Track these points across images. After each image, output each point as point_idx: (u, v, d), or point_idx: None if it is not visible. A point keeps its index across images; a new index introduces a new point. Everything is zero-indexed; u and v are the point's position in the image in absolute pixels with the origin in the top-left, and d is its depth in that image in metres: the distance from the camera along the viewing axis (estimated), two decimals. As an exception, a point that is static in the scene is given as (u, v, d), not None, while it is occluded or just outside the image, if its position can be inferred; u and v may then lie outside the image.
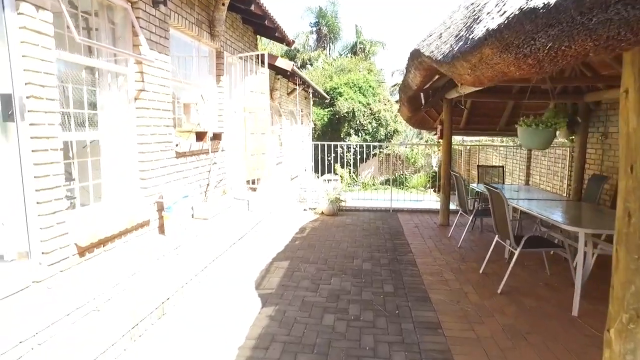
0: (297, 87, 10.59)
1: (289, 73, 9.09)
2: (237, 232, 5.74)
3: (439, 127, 6.90)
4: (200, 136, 5.51)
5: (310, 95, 14.20)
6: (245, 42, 7.81)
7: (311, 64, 26.87)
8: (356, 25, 27.57)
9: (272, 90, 9.96)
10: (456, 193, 6.18)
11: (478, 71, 1.89)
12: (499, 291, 4.00)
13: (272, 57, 8.78)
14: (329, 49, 28.39)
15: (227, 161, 6.98)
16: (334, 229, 6.78)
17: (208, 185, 6.02)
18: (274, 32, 7.81)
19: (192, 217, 5.52)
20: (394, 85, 35.15)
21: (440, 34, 2.66)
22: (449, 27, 2.57)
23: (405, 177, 19.05)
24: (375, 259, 5.16)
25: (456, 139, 22.45)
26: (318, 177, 19.20)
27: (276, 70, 9.76)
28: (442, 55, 2.34)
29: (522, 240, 3.88)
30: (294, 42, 8.71)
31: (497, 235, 4.51)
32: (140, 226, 4.29)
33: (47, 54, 3.04)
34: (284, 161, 11.65)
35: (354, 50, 27.20)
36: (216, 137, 6.16)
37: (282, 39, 8.36)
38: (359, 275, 4.55)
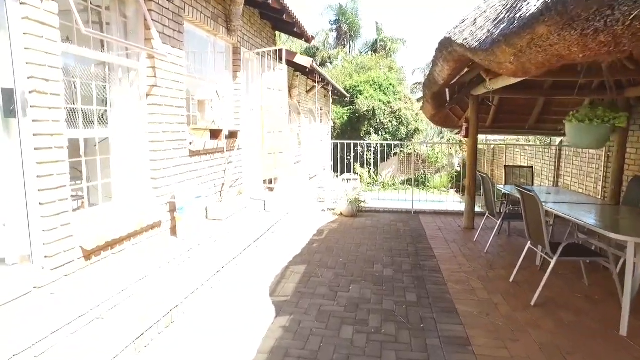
0: (317, 84, 10.35)
1: (307, 70, 8.86)
2: (252, 233, 5.54)
3: (464, 125, 6.56)
4: (215, 134, 5.33)
5: (330, 94, 13.96)
6: (263, 38, 7.62)
7: (331, 62, 26.62)
8: (376, 23, 27.19)
9: (290, 87, 9.76)
10: (482, 195, 5.84)
11: (524, 57, 1.61)
12: (532, 303, 3.68)
13: (291, 54, 8.57)
14: (349, 47, 28.08)
15: (244, 160, 6.80)
16: (354, 231, 6.52)
17: (223, 185, 5.84)
18: (292, 28, 7.59)
19: (207, 217, 5.34)
20: (415, 84, 34.59)
21: (475, 19, 2.38)
22: (485, 12, 2.29)
23: (426, 177, 18.61)
24: (397, 265, 4.88)
25: (480, 137, 21.80)
26: (337, 176, 18.94)
27: (295, 68, 9.55)
28: (477, 42, 2.06)
29: (560, 248, 3.55)
30: (313, 38, 8.48)
31: (529, 242, 4.18)
32: (151, 227, 4.13)
33: (52, 46, 2.87)
34: (303, 160, 11.45)
35: (374, 48, 26.82)
36: (232, 135, 5.97)
37: (301, 34, 8.14)
38: (379, 282, 4.28)
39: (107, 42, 3.81)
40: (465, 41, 2.24)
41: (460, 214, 7.74)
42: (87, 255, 3.25)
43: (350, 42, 27.98)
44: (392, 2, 77.81)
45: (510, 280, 4.30)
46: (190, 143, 4.88)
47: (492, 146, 15.86)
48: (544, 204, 4.51)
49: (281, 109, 7.97)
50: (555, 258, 3.55)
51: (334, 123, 19.44)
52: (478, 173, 5.74)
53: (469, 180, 6.66)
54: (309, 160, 12.26)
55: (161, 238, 4.29)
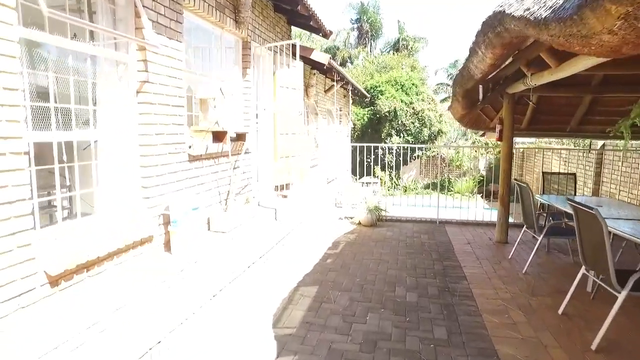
0: (335, 83, 9.77)
1: (325, 67, 8.29)
2: (260, 247, 4.99)
3: (499, 126, 5.87)
4: (218, 136, 4.81)
5: (349, 93, 13.35)
6: (277, 33, 7.08)
7: (352, 62, 26.00)
8: (398, 21, 26.44)
9: (307, 86, 9.21)
10: (521, 206, 5.15)
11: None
12: (593, 347, 2.99)
13: (307, 50, 8.01)
14: (371, 46, 27.39)
15: (253, 165, 6.26)
16: (372, 244, 5.91)
17: (229, 192, 5.32)
18: (308, 21, 7.02)
19: (209, 229, 4.82)
20: (438, 84, 33.63)
21: (539, -16, 1.74)
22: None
23: (450, 181, 17.79)
24: (422, 287, 4.25)
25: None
26: (357, 179, 18.28)
27: (312, 65, 8.99)
28: (550, 10, 1.44)
29: (631, 280, 2.86)
30: (331, 32, 7.90)
31: (583, 267, 3.50)
32: (140, 244, 3.61)
33: (6, 30, 2.38)
34: (320, 163, 10.87)
35: (396, 47, 26.06)
36: (239, 137, 5.45)
37: (318, 29, 7.57)
38: (401, 311, 3.66)
39: (93, 32, 3.33)
40: (527, 12, 1.63)
41: (490, 225, 7.03)
42: (54, 280, 2.74)
43: (372, 41, 27.29)
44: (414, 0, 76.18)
45: (559, 312, 3.61)
46: (190, 147, 4.36)
47: (522, 149, 14.98)
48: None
49: (296, 109, 7.42)
50: (624, 293, 2.86)
51: (354, 124, 18.82)
52: (515, 182, 5.05)
53: (502, 189, 5.96)
54: (326, 164, 11.69)
55: (152, 256, 3.78)
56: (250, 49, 5.99)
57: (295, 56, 6.61)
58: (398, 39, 26.25)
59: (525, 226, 5.18)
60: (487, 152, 17.67)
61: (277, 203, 6.65)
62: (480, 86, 4.83)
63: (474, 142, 19.36)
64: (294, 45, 6.39)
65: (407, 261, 5.12)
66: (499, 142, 5.97)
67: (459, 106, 5.50)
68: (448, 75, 33.45)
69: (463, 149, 18.48)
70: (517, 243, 5.49)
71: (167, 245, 3.98)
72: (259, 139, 6.92)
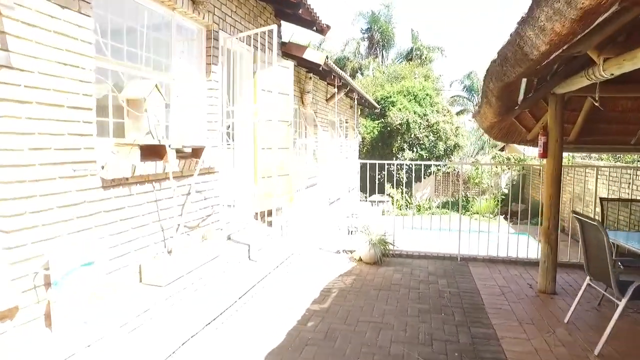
0: (336, 89, 8.44)
1: (322, 69, 6.96)
2: (214, 305, 3.60)
3: (542, 138, 4.42)
4: (154, 152, 3.47)
5: (356, 103, 12.00)
6: (261, 25, 5.78)
7: (362, 73, 24.76)
8: (412, 30, 25.21)
9: (302, 92, 7.88)
10: (582, 247, 3.67)
11: None
12: None
13: (299, 48, 6.71)
14: (382, 56, 26.14)
15: (222, 188, 4.90)
16: (373, 294, 4.46)
17: (178, 227, 3.94)
18: (297, 9, 5.71)
19: (140, 281, 3.45)
20: (454, 97, 32.09)
21: None
22: None
23: (468, 200, 16.21)
24: (443, 382, 2.78)
25: (530, 152, 18.98)
26: (366, 198, 16.83)
27: (307, 67, 7.68)
28: None
29: None
30: (329, 27, 6.58)
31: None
32: (-15, 324, 2.26)
33: None
34: (320, 182, 9.48)
35: (409, 57, 24.76)
36: (195, 153, 4.10)
37: (311, 22, 6.25)
38: None
39: None
40: None
41: (527, 264, 5.54)
42: None
43: (383, 51, 26.04)
44: (428, 6, 74.20)
45: None
46: (103, 167, 3.02)
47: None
48: None
49: (284, 118, 6.09)
50: None
51: (363, 138, 17.45)
52: (574, 215, 3.56)
53: (547, 221, 4.48)
54: (328, 182, 10.28)
55: (12, 338, 2.40)
56: (217, 40, 4.69)
57: (287, 56, 5.29)
58: (411, 49, 24.92)
59: (589, 277, 3.69)
60: (510, 168, 16.08)
61: (256, 235, 5.26)
62: (524, 80, 3.41)
63: (494, 157, 17.80)
64: (270, 31, 5.07)
65: (420, 326, 3.65)
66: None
67: (490, 111, 4.07)
68: (463, 87, 32.00)
69: (482, 165, 16.90)
70: (577, 300, 3.95)
71: (48, 319, 2.61)
72: (236, 154, 5.59)
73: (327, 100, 9.91)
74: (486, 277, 5.07)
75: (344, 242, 6.66)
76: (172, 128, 4.19)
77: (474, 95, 32.15)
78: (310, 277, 5.04)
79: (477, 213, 15.53)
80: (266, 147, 5.74)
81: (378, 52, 25.90)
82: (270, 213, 6.24)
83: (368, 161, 7.26)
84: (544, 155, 4.46)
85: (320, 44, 24.32)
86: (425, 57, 24.09)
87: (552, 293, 4.43)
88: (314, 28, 6.46)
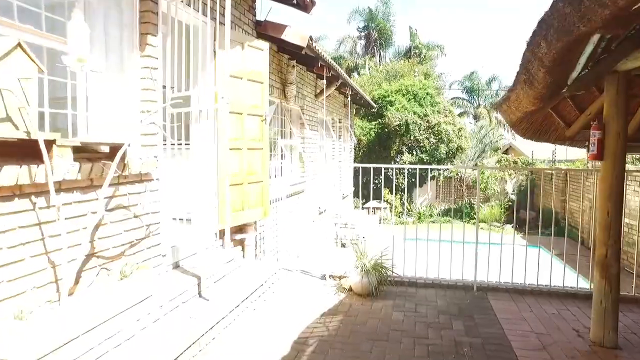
0: (325, 81, 7.23)
1: (304, 52, 5.76)
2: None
3: (596, 134, 3.22)
4: (16, 150, 2.25)
5: (350, 101, 10.78)
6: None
7: (358, 73, 23.60)
8: (410, 27, 23.96)
9: (284, 84, 6.68)
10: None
11: None
12: None
13: (277, 27, 5.52)
14: (379, 55, 25.00)
15: (165, 200, 3.68)
16: (365, 348, 3.23)
17: (85, 261, 2.71)
18: (269, -27, 4.51)
19: None
20: (454, 98, 30.94)
21: None
22: None
23: (472, 207, 15.01)
24: None
25: (541, 154, 17.72)
26: (363, 204, 15.60)
27: (290, 54, 6.48)
28: None
29: None
30: (313, 3, 5.40)
31: None
32: None
33: None
34: (308, 189, 8.26)
35: (408, 55, 23.59)
36: (112, 153, 2.88)
37: (289, -7, 5.07)
38: None
39: None
40: None
41: (564, 297, 4.33)
42: None
43: (381, 50, 24.89)
44: (428, 5, 72.04)
45: None
46: None
47: (563, 169, 12.19)
48: None
49: (256, 111, 4.91)
50: None
51: (359, 140, 16.24)
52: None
53: (604, 248, 3.27)
54: (318, 188, 9.07)
55: None
56: (157, 3, 3.49)
57: (260, 36, 4.11)
58: (410, 47, 23.74)
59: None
60: (517, 174, 14.92)
61: (216, 261, 4.03)
62: (597, 36, 2.22)
63: (499, 161, 16.62)
64: (258, 23, 3.88)
65: (435, 413, 2.43)
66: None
67: (528, 95, 2.87)
68: (463, 89, 30.90)
69: (490, 169, 15.72)
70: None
71: None
72: (192, 156, 4.38)
73: (316, 95, 8.71)
74: (515, 318, 3.85)
75: (334, 260, 5.45)
76: (83, 117, 2.98)
77: (475, 97, 31.06)
78: (284, 317, 3.82)
79: (484, 222, 14.38)
80: (233, 148, 4.54)
81: (375, 51, 24.76)
82: (241, 229, 5.02)
83: (362, 165, 6.07)
84: (598, 156, 3.26)
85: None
86: (425, 56, 22.94)
87: (613, 347, 3.22)
88: (295, 1, 5.27)
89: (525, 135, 4.39)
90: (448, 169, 15.95)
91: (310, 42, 5.54)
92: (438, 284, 4.79)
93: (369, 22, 24.45)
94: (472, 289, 4.64)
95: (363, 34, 24.90)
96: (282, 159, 7.03)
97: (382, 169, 5.84)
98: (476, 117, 29.56)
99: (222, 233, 4.64)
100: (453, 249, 4.92)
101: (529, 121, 3.96)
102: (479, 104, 30.67)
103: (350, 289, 4.55)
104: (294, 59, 6.51)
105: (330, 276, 5.06)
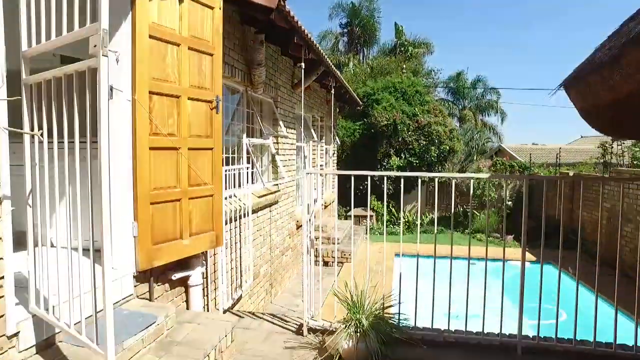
0: (302, 65, 5.74)
1: (273, 17, 4.25)
2: None
3: None
4: None
5: (333, 94, 9.29)
6: None
7: (341, 71, 22.21)
8: (396, 24, 22.74)
9: (249, 64, 5.16)
10: None
11: None
12: None
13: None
14: (363, 53, 23.70)
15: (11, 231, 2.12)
16: None
17: None
18: None
19: None
20: (439, 100, 29.83)
21: None
22: None
23: (466, 215, 13.74)
24: None
25: (545, 158, 16.44)
26: (346, 213, 14.17)
27: (258, 26, 4.96)
28: None
29: None
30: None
31: None
32: None
33: None
34: (283, 199, 6.75)
35: (393, 53, 22.33)
36: None
37: None
38: None
39: None
40: None
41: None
42: None
43: (365, 48, 23.58)
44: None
45: None
46: None
47: (570, 172, 11.01)
48: None
49: (201, 95, 3.42)
50: None
51: (342, 142, 14.81)
52: None
53: None
54: (295, 198, 7.58)
55: None
56: None
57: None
58: (395, 44, 22.50)
59: None
60: (511, 183, 13.76)
61: (127, 325, 2.48)
62: None
63: (494, 165, 15.41)
64: None
65: None
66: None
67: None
68: (448, 91, 29.88)
69: (484, 176, 14.48)
70: None
71: None
72: (102, 157, 2.83)
73: (293, 87, 7.22)
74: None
75: (315, 292, 3.94)
76: None
77: (460, 99, 30.04)
78: None
79: (479, 232, 13.11)
80: (161, 147, 3.04)
81: (359, 49, 23.44)
82: (182, 264, 3.49)
83: (341, 172, 4.61)
84: None
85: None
86: (411, 54, 21.72)
87: None
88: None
89: (604, 126, 3.00)
90: (441, 177, 14.64)
91: (282, 3, 4.05)
92: (464, 342, 3.34)
93: (352, 17, 23.11)
94: (513, 350, 3.20)
95: (346, 30, 23.55)
96: (248, 163, 5.50)
97: (357, 177, 4.44)
98: (461, 120, 28.58)
99: (147, 274, 3.10)
100: (459, 267, 3.47)
101: (617, 108, 2.57)
102: (464, 106, 29.76)
103: (340, 358, 3.05)
104: (263, 33, 5.00)
105: (310, 330, 3.56)
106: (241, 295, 4.81)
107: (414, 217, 14.60)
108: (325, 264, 8.43)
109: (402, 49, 22.14)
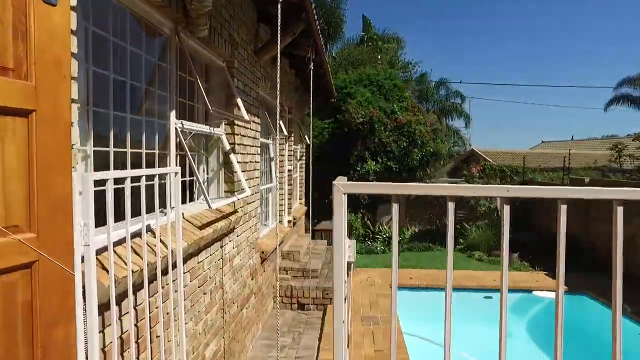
0: (270, 36, 3.45)
1: None
2: None
3: None
4: None
5: (311, 70, 6.95)
6: None
7: (303, 66, 19.97)
8: (363, 16, 20.92)
9: (188, 2, 2.75)
10: None
11: None
12: None
13: None
14: (326, 48, 21.59)
15: None
16: None
17: None
18: None
19: None
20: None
21: None
22: None
23: (459, 230, 11.86)
24: None
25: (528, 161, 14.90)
26: (314, 227, 11.82)
27: None
28: None
29: None
30: None
31: None
32: None
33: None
34: (241, 223, 4.32)
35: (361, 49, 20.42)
36: None
37: None
38: None
39: None
40: None
41: None
42: None
43: (329, 42, 21.50)
44: None
45: None
46: None
47: (585, 178, 9.37)
48: None
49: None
50: None
51: (307, 143, 12.52)
52: None
53: None
54: (259, 219, 5.18)
55: None
56: None
57: None
58: (363, 38, 20.59)
59: None
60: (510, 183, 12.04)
61: None
62: None
63: (484, 171, 13.70)
64: None
65: None
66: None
67: None
68: (413, 93, 28.47)
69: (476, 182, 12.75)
70: None
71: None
72: None
73: (256, 52, 4.86)
74: None
75: None
76: None
77: (424, 103, 28.77)
78: None
79: (471, 249, 11.24)
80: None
81: (323, 43, 21.32)
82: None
83: (378, 185, 2.31)
84: None
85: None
86: (381, 49, 19.88)
87: None
88: None
89: None
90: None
91: None
92: None
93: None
94: None
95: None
96: (181, 165, 3.07)
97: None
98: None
99: None
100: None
101: None
102: (428, 109, 28.51)
103: None
104: None
105: None
106: None
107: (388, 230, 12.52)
108: (302, 307, 6.10)
109: (371, 43, 20.26)
